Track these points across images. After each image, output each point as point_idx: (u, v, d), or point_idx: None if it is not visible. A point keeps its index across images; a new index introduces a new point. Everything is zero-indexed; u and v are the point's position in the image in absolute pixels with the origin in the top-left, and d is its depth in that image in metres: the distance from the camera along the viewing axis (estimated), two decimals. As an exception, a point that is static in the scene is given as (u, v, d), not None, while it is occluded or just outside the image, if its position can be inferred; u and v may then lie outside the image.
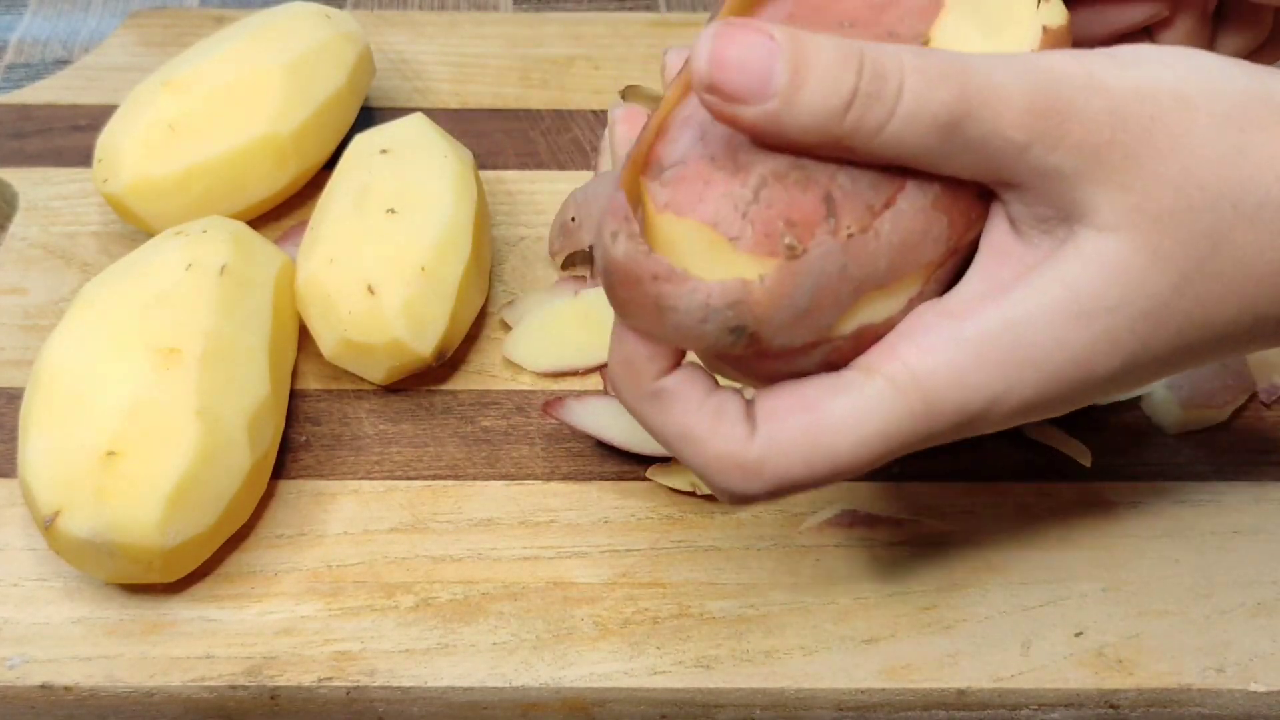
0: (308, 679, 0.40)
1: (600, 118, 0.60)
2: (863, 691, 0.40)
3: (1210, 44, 0.40)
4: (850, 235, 0.29)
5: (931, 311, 0.31)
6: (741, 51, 0.28)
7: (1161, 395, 0.48)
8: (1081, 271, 0.30)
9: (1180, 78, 0.30)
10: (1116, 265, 0.30)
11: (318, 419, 0.48)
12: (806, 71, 0.28)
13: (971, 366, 0.30)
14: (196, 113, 0.51)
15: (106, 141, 0.52)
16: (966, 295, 0.31)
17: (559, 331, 0.50)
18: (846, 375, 0.31)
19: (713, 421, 0.31)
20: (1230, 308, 0.31)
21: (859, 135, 0.29)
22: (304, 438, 0.47)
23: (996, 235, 0.32)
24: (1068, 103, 0.29)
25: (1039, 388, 0.31)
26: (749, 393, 0.32)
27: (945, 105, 0.29)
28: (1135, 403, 0.48)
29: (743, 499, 0.32)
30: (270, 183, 0.53)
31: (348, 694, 0.40)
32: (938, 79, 0.29)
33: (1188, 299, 0.30)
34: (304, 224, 0.51)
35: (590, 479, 0.46)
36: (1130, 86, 0.30)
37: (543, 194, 0.56)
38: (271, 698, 0.40)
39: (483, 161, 0.55)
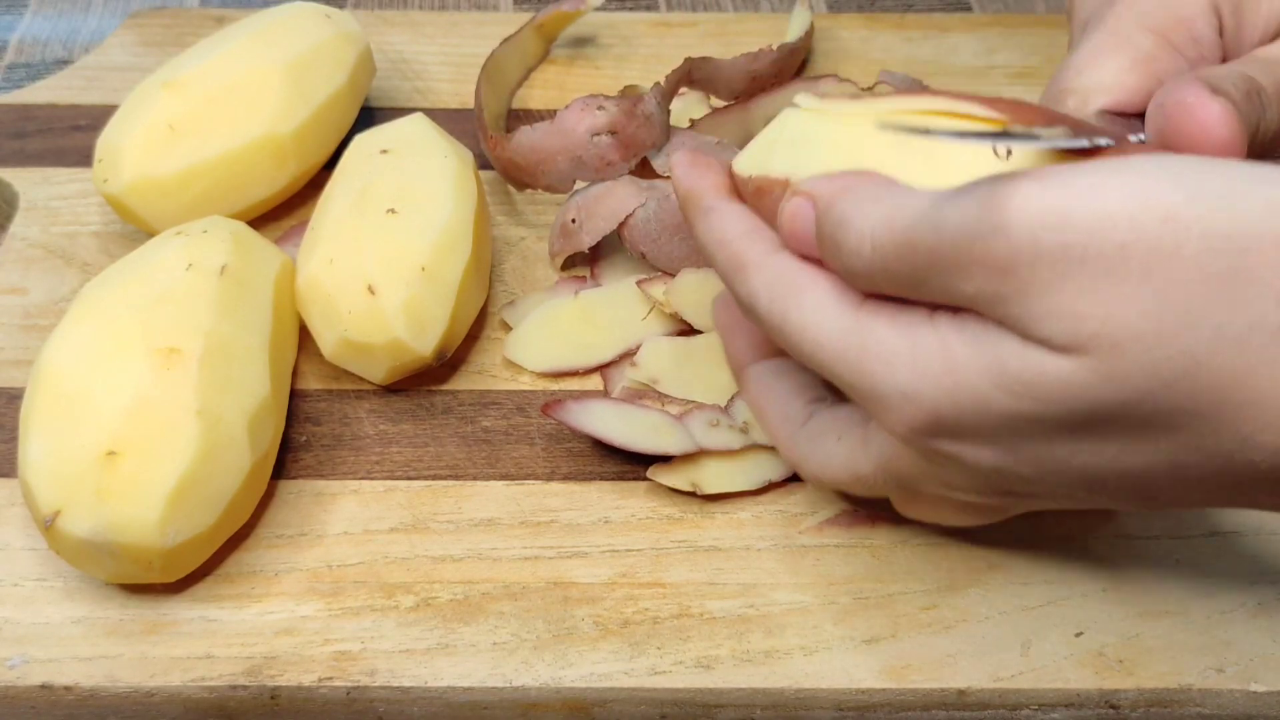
0: (308, 679, 0.40)
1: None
2: (863, 691, 0.40)
3: None
4: None
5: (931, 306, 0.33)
6: (792, 224, 0.35)
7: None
8: (1016, 362, 0.30)
9: (1179, 193, 0.29)
10: (1055, 374, 0.30)
11: (318, 419, 0.48)
12: (823, 247, 0.34)
13: (908, 362, 0.32)
14: (196, 113, 0.51)
15: (106, 141, 0.52)
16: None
17: (559, 332, 0.50)
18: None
19: (744, 234, 0.38)
20: (1202, 432, 0.30)
21: (863, 284, 0.34)
22: (304, 438, 0.47)
23: None
24: (1010, 248, 0.29)
25: (961, 423, 0.32)
26: None
27: (903, 274, 0.32)
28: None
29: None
30: (270, 183, 0.53)
31: (348, 694, 0.40)
32: (893, 252, 0.32)
33: (1143, 411, 0.30)
34: (304, 224, 0.51)
35: (590, 479, 0.46)
36: (1099, 211, 0.28)
37: (543, 194, 0.56)
38: (272, 698, 0.40)
39: (483, 161, 0.55)
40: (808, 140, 0.37)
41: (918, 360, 0.32)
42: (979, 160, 0.34)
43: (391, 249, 0.46)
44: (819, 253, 0.34)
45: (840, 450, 0.37)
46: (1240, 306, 0.28)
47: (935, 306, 0.32)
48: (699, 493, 0.45)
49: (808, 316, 0.34)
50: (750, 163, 0.39)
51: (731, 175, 0.39)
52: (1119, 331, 0.29)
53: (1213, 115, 0.34)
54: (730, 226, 0.37)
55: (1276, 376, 0.28)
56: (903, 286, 0.32)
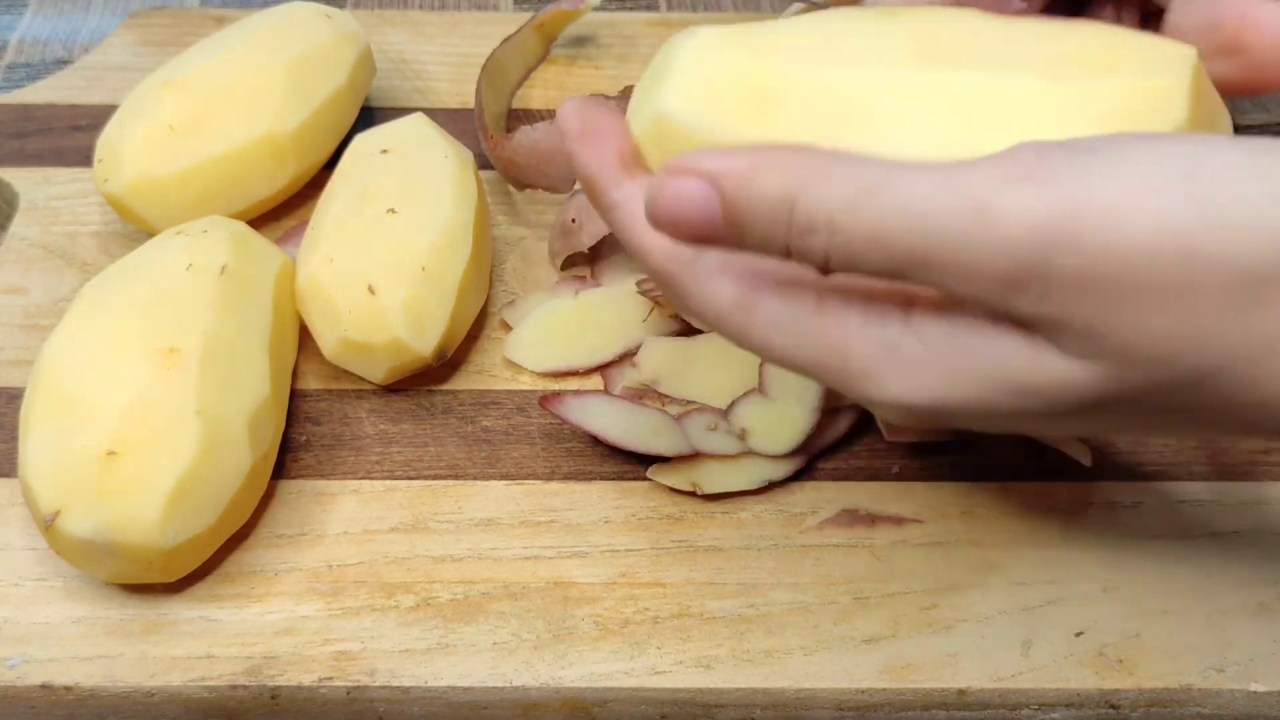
0: (308, 679, 0.40)
1: (600, 118, 0.60)
2: (863, 691, 0.40)
3: None
4: None
5: (900, 300, 0.31)
6: (678, 207, 0.30)
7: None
8: (1026, 369, 0.29)
9: (1198, 222, 0.27)
10: (1067, 380, 0.29)
11: (318, 419, 0.48)
12: (742, 225, 0.30)
13: (896, 374, 0.31)
14: (197, 113, 0.51)
15: (107, 141, 0.52)
16: (934, 307, 0.31)
17: (559, 331, 0.50)
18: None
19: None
20: (1205, 417, 0.30)
21: (814, 265, 0.30)
22: (304, 438, 0.47)
23: None
24: (1017, 267, 0.27)
25: (965, 417, 0.31)
26: None
27: (875, 266, 0.29)
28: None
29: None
30: (270, 183, 0.53)
31: (348, 694, 0.40)
32: (863, 241, 0.28)
33: (1148, 407, 0.30)
34: (304, 224, 0.51)
35: (590, 479, 0.46)
36: (1117, 243, 0.27)
37: (543, 194, 0.56)
38: (272, 697, 0.40)
39: (483, 161, 0.55)
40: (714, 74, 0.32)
41: (906, 373, 0.30)
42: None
43: (391, 249, 0.46)
44: (729, 239, 0.30)
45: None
46: (1257, 331, 0.28)
47: (907, 298, 0.31)
48: (699, 493, 0.45)
49: (768, 334, 0.32)
50: (643, 114, 0.33)
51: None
52: (1132, 352, 0.28)
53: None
54: (643, 231, 0.32)
55: None
56: (871, 273, 0.29)
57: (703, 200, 0.29)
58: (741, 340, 0.32)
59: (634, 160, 0.33)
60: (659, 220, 0.30)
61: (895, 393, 0.31)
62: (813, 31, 0.34)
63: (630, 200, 0.33)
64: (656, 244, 0.32)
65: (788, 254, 0.30)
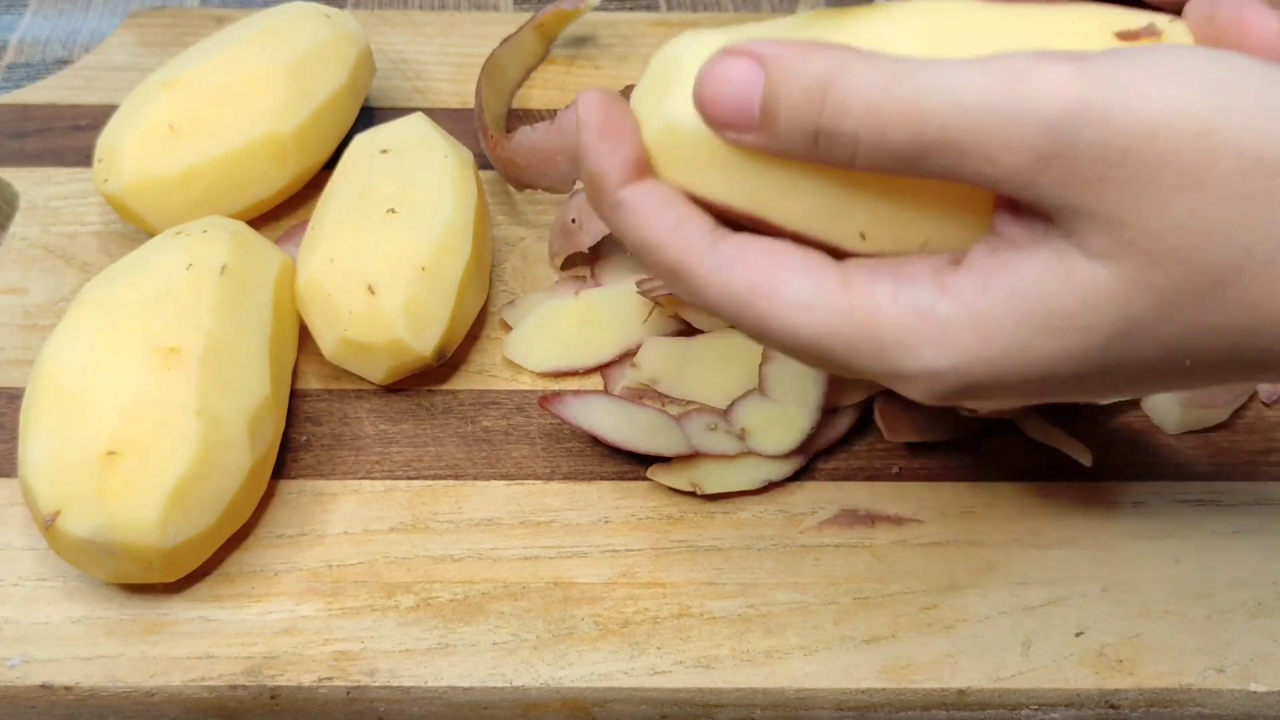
0: (308, 679, 0.40)
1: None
2: (863, 691, 0.40)
3: None
4: None
5: (930, 267, 0.31)
6: (721, 87, 0.30)
7: (1161, 395, 0.48)
8: (1059, 289, 0.29)
9: (1214, 105, 0.28)
10: (1098, 290, 0.29)
11: (318, 419, 0.48)
12: (776, 107, 0.30)
13: (932, 339, 0.30)
14: (197, 113, 0.51)
15: (107, 141, 0.52)
16: (961, 264, 0.30)
17: (559, 331, 0.50)
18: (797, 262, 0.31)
19: (672, 231, 0.32)
20: (1228, 337, 0.30)
21: (837, 160, 0.30)
22: (304, 437, 0.47)
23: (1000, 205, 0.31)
24: (1049, 138, 0.28)
25: (997, 379, 0.30)
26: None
27: (903, 145, 0.29)
28: (1135, 402, 0.48)
29: (698, 303, 0.33)
30: (270, 183, 0.53)
31: (348, 694, 0.40)
32: (896, 118, 0.28)
33: (1175, 324, 0.29)
34: (304, 224, 0.51)
35: (590, 479, 0.46)
36: (1141, 116, 0.28)
37: (543, 194, 0.56)
38: (271, 697, 0.40)
39: (483, 161, 0.55)
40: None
41: (944, 335, 0.30)
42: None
43: (391, 249, 0.46)
44: (760, 126, 0.30)
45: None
46: (1270, 230, 0.28)
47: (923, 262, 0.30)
48: (699, 493, 0.45)
49: (792, 318, 0.30)
50: (652, 121, 0.32)
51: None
52: (1154, 243, 0.28)
53: (1270, 33, 0.31)
54: (652, 226, 0.32)
55: None
56: (895, 160, 0.29)
57: (748, 80, 0.30)
58: (761, 330, 0.31)
59: (645, 164, 0.33)
60: (703, 96, 0.30)
61: (930, 360, 0.30)
62: (813, 26, 0.33)
63: (639, 199, 0.32)
64: (667, 238, 0.32)
65: (815, 143, 0.30)
